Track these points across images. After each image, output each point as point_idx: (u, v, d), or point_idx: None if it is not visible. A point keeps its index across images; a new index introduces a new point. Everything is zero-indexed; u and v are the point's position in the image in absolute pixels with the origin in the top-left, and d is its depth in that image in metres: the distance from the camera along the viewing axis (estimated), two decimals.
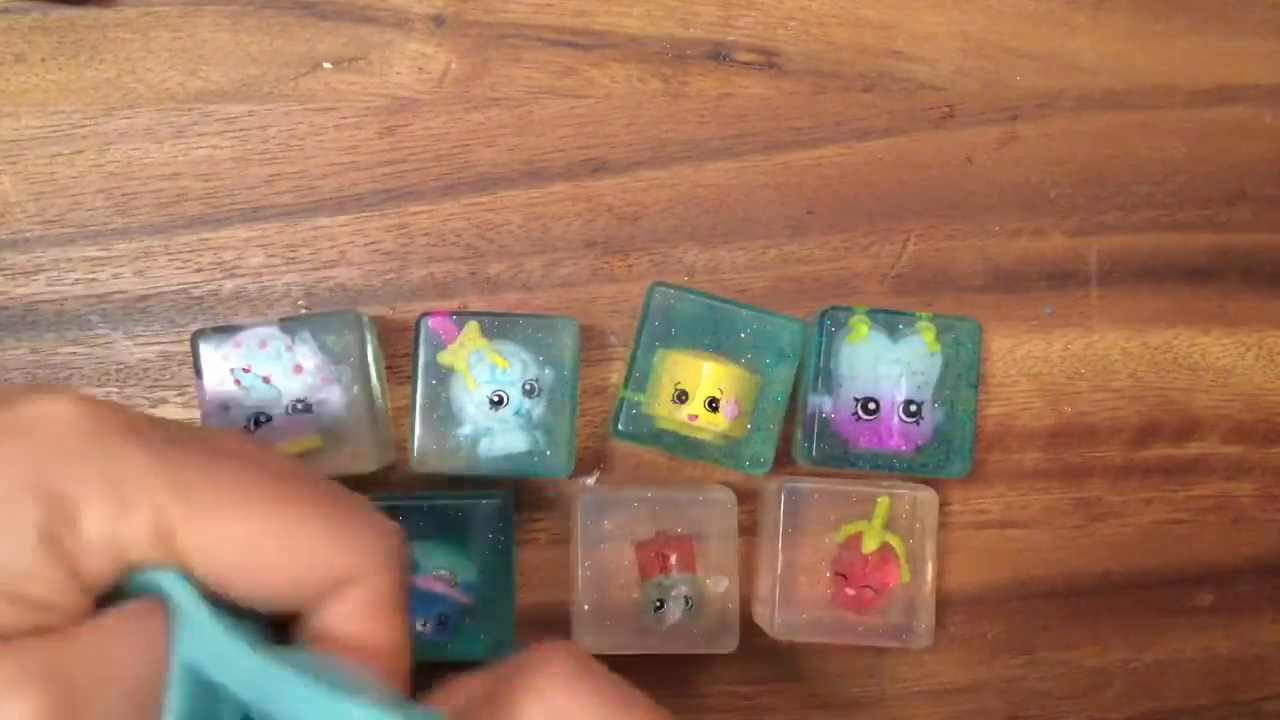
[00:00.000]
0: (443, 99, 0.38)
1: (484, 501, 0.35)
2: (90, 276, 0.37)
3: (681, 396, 0.35)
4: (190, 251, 0.37)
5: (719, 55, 0.39)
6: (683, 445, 0.36)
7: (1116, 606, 0.39)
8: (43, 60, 0.37)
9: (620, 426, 0.35)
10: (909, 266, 0.39)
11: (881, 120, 0.39)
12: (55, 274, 0.37)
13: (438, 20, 0.38)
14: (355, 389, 0.35)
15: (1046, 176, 0.39)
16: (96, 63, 0.37)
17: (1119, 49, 0.39)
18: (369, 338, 0.35)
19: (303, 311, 0.37)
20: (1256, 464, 0.40)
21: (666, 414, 0.35)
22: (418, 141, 0.38)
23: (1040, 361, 0.39)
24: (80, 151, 0.37)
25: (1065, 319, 0.39)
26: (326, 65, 0.38)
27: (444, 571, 0.34)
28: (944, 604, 0.39)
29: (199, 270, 0.37)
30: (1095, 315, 0.39)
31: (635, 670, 0.38)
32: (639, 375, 0.36)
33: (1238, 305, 0.39)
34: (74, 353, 0.37)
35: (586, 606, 0.36)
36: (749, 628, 0.37)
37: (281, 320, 0.35)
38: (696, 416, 0.35)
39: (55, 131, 0.37)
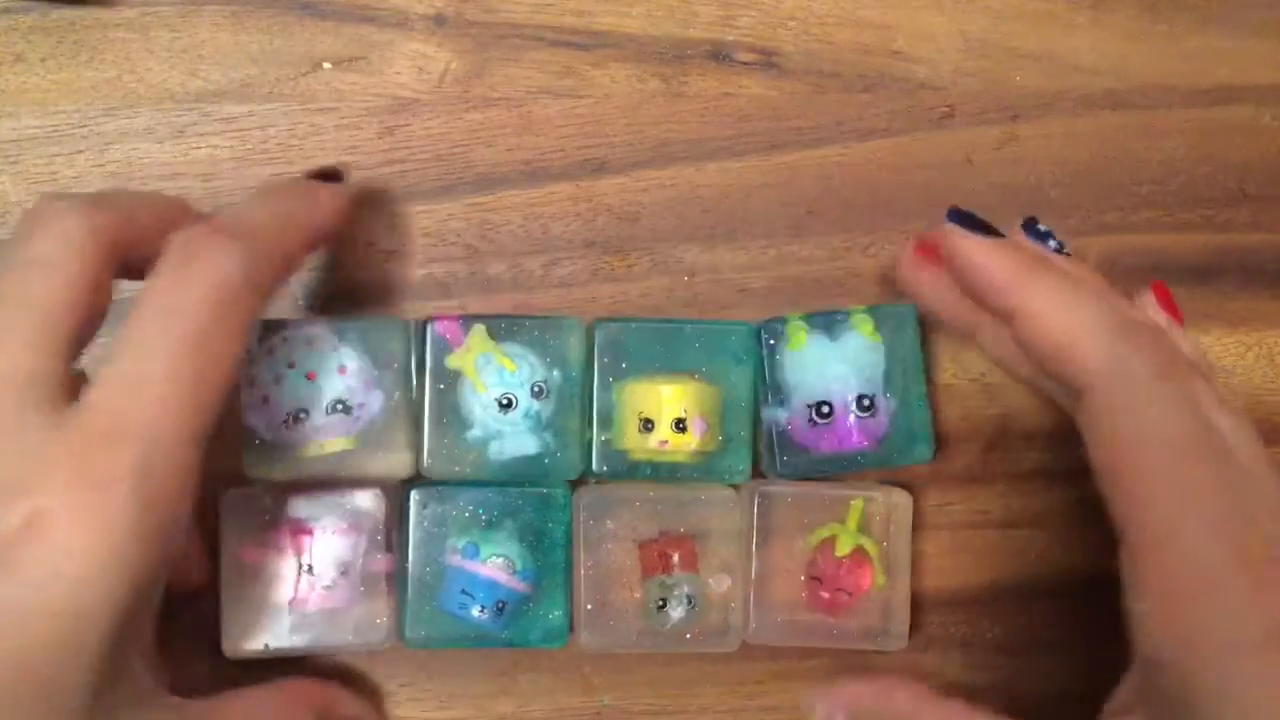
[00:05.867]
0: (443, 99, 0.38)
1: (543, 490, 0.36)
2: None
3: (647, 425, 0.35)
4: None
5: (719, 55, 0.39)
6: (661, 472, 0.36)
7: (1116, 606, 0.39)
8: (43, 60, 0.37)
9: (595, 468, 0.35)
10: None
11: (881, 120, 0.39)
12: None
13: (438, 20, 0.38)
14: (396, 395, 0.35)
15: (1046, 176, 0.39)
16: (96, 63, 0.37)
17: (1119, 49, 0.39)
18: (414, 346, 0.35)
19: (297, 311, 0.37)
20: None
21: (637, 445, 0.35)
22: (418, 141, 0.38)
23: None
24: (80, 151, 0.37)
25: None
26: (326, 65, 0.38)
27: (503, 559, 0.34)
28: (943, 604, 0.39)
29: None
30: None
31: (636, 670, 0.38)
32: (601, 414, 0.35)
33: (1238, 305, 0.39)
34: None
35: (589, 606, 0.36)
36: None
37: (332, 319, 0.35)
38: (666, 441, 0.35)
39: (55, 131, 0.37)
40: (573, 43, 0.38)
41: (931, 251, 0.35)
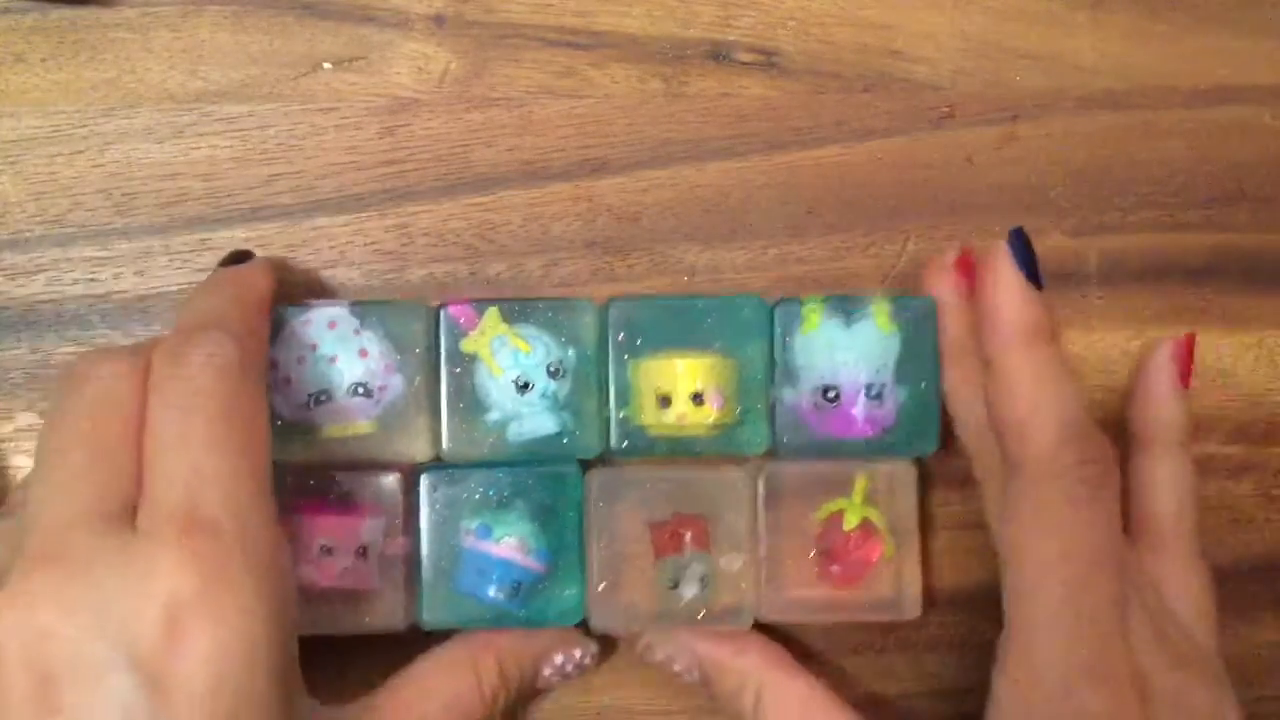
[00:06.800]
0: (443, 99, 0.38)
1: (554, 468, 0.36)
2: (90, 276, 0.37)
3: (665, 401, 0.35)
4: (190, 251, 0.37)
5: (719, 55, 0.39)
6: (680, 446, 0.36)
7: None
8: (43, 60, 0.37)
9: (614, 446, 0.36)
10: (909, 266, 0.39)
11: (881, 120, 0.39)
12: (55, 274, 0.37)
13: (438, 20, 0.38)
14: (417, 379, 0.35)
15: (1046, 176, 0.39)
16: (96, 63, 0.37)
17: (1119, 49, 0.39)
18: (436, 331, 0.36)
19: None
20: (1256, 464, 0.40)
21: (655, 421, 0.35)
22: (418, 141, 0.38)
23: None
24: (80, 151, 0.37)
25: (1065, 319, 0.39)
26: (326, 65, 0.38)
27: (516, 539, 0.35)
28: (943, 604, 0.39)
29: (199, 270, 0.37)
30: (1095, 315, 0.39)
31: (636, 670, 0.38)
32: (618, 392, 0.36)
33: (1238, 305, 0.39)
34: (74, 353, 0.37)
35: (601, 587, 0.36)
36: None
37: (353, 303, 0.35)
38: (685, 415, 0.35)
39: (55, 131, 0.37)
40: (573, 43, 0.38)
41: (966, 270, 0.36)
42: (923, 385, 0.36)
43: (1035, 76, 0.39)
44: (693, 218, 0.38)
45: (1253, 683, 0.40)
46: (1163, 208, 0.39)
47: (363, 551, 0.35)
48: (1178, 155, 0.39)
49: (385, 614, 0.35)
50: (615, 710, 0.38)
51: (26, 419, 0.37)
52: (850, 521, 0.36)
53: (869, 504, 0.36)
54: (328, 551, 0.35)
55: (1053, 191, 0.39)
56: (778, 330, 0.36)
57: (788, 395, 0.36)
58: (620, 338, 0.36)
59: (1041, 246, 0.39)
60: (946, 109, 0.39)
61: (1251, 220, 0.39)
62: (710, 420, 0.35)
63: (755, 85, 0.39)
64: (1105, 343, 0.39)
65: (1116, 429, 0.39)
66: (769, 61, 0.39)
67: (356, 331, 0.35)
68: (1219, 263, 0.39)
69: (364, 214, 0.38)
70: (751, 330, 0.36)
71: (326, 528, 0.35)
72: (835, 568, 0.36)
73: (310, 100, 0.38)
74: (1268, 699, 0.40)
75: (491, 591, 0.35)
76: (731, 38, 0.39)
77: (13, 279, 0.37)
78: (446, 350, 0.35)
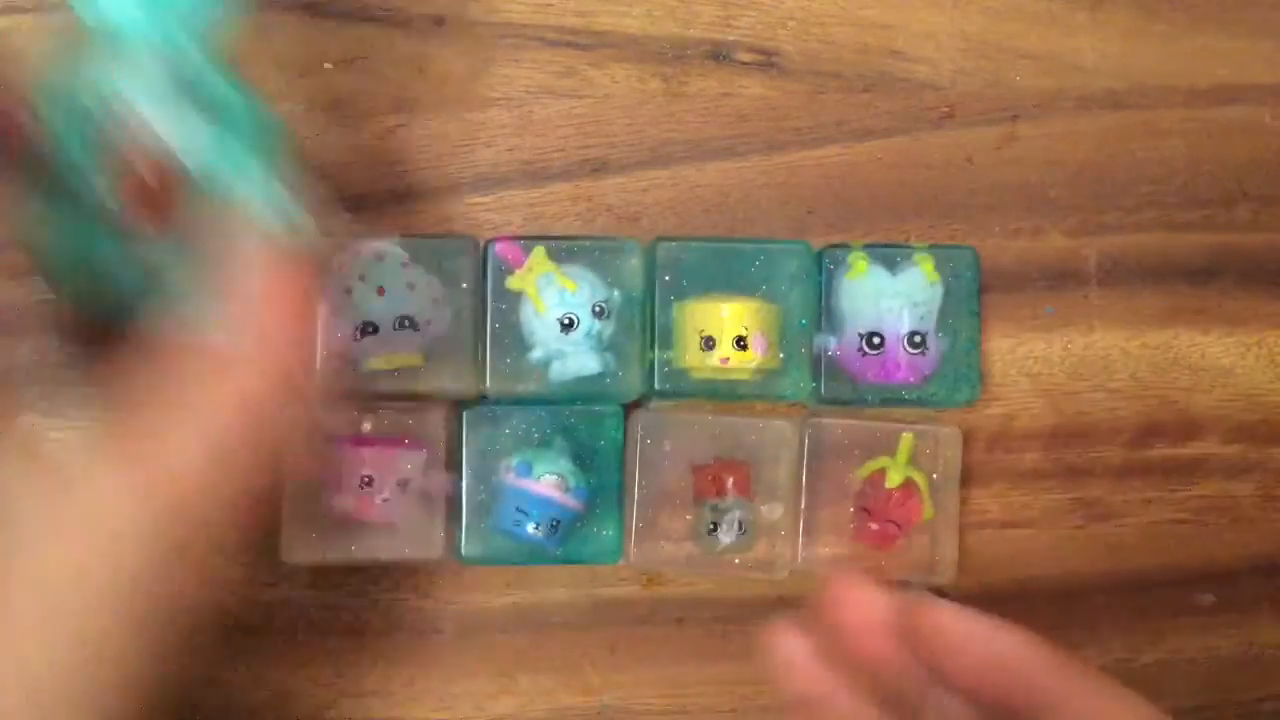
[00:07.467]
0: (443, 99, 0.38)
1: (594, 408, 0.36)
2: None
3: (709, 343, 0.35)
4: None
5: (719, 55, 0.39)
6: (722, 390, 0.36)
7: (1116, 606, 0.39)
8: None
9: (657, 387, 0.36)
10: None
11: (881, 120, 0.39)
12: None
13: (438, 20, 0.38)
14: (464, 313, 0.36)
15: (1046, 176, 0.39)
16: None
17: (1119, 49, 0.39)
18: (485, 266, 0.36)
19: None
20: (1256, 464, 0.40)
21: (698, 364, 0.36)
22: (418, 141, 0.38)
23: (1040, 361, 0.39)
24: None
25: (1065, 319, 0.39)
26: (326, 65, 0.38)
27: (556, 476, 0.35)
28: None
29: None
30: (1095, 315, 0.39)
31: (636, 670, 0.38)
32: (662, 334, 0.36)
33: (1238, 305, 0.39)
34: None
35: (640, 525, 0.36)
36: (740, 639, 0.37)
37: (402, 237, 0.36)
38: (728, 359, 0.35)
39: None
40: (573, 43, 0.38)
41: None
42: (963, 335, 0.37)
43: (1035, 76, 0.39)
44: (693, 218, 0.38)
45: (1254, 683, 0.40)
46: (1163, 208, 0.39)
47: (403, 484, 0.35)
48: (1178, 155, 0.39)
49: (424, 547, 0.36)
50: (615, 710, 0.38)
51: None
52: (893, 480, 0.36)
53: (913, 465, 0.36)
54: (368, 482, 0.35)
55: (1053, 191, 0.39)
56: (824, 276, 0.37)
57: (831, 341, 0.36)
58: (666, 279, 0.36)
59: (1042, 246, 0.39)
60: (946, 109, 0.39)
61: (1251, 220, 0.39)
62: (753, 364, 0.35)
63: (755, 85, 0.39)
64: (1105, 342, 0.39)
65: (1115, 431, 0.39)
66: (769, 61, 0.39)
67: (405, 265, 0.35)
68: (1219, 263, 0.39)
69: (364, 214, 0.38)
70: (797, 277, 0.37)
71: (369, 459, 0.35)
72: (873, 525, 0.37)
73: (310, 100, 0.38)
74: (1269, 699, 0.40)
75: (530, 528, 0.35)
76: (731, 38, 0.39)
77: (13, 278, 0.37)
78: (492, 287, 0.36)
